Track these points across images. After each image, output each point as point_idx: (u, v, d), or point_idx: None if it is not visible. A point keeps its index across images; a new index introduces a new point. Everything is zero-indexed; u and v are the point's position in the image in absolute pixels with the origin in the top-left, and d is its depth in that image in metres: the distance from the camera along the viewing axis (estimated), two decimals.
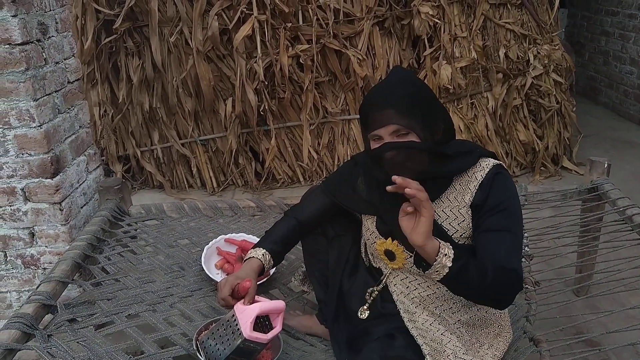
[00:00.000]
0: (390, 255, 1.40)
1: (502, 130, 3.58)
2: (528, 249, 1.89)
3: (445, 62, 3.38)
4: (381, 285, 1.46)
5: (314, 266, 1.62)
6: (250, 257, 1.48)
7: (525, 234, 1.97)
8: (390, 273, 1.44)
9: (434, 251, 1.15)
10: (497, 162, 1.33)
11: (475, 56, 3.39)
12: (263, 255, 1.48)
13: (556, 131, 3.62)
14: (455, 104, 3.53)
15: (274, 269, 1.80)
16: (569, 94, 3.68)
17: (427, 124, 1.26)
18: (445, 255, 1.15)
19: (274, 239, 1.52)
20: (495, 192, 1.29)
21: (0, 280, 2.08)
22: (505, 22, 3.47)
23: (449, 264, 1.16)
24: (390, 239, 1.38)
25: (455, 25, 3.40)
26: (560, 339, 1.58)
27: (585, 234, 2.13)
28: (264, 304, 1.33)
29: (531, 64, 3.48)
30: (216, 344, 1.33)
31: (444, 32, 3.38)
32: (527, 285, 1.73)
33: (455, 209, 1.32)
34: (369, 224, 1.45)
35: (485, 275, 1.19)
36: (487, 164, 1.32)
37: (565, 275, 2.14)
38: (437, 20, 3.33)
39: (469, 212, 1.31)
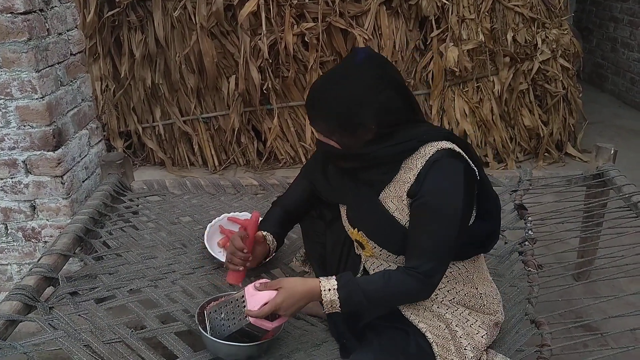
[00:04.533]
0: (360, 244, 1.41)
1: (507, 114, 3.55)
2: (531, 232, 1.88)
3: (452, 44, 3.34)
4: (360, 272, 1.47)
5: (312, 248, 1.62)
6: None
7: (529, 218, 1.96)
8: (366, 260, 1.44)
9: (316, 294, 1.25)
10: (443, 147, 1.26)
11: (483, 39, 3.35)
12: (265, 235, 1.54)
13: (561, 117, 3.59)
14: (461, 87, 3.50)
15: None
16: (575, 80, 3.65)
17: (348, 131, 1.27)
18: (328, 290, 1.25)
19: (272, 223, 1.58)
20: (427, 183, 1.24)
21: (1, 252, 2.07)
22: (515, 5, 3.41)
23: (336, 296, 1.24)
24: (356, 229, 1.39)
25: (463, 7, 3.35)
26: (560, 322, 1.58)
27: (589, 219, 2.12)
28: (273, 295, 1.31)
29: (539, 48, 3.44)
30: (222, 320, 1.34)
31: (451, 13, 3.33)
32: (529, 268, 1.73)
33: (398, 199, 1.30)
34: (342, 212, 1.46)
35: (386, 282, 1.26)
36: (431, 149, 1.26)
37: (567, 260, 2.13)
38: (445, 1, 3.28)
39: (408, 202, 1.29)
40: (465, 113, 3.47)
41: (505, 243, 1.90)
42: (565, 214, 2.04)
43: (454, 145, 1.29)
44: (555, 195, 2.23)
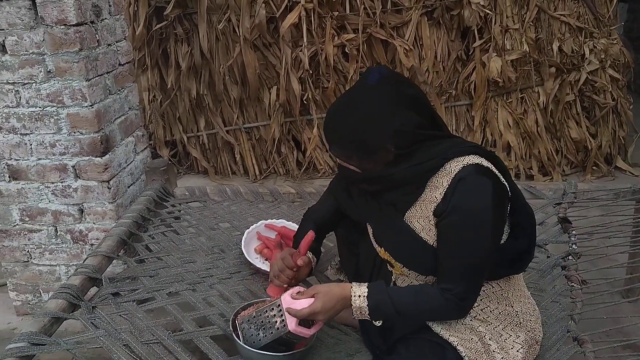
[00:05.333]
0: (389, 262, 1.39)
1: (552, 126, 3.45)
2: (575, 247, 1.82)
3: (496, 54, 3.29)
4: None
5: (347, 257, 1.62)
6: None
7: (573, 232, 1.90)
8: (397, 277, 1.41)
9: (347, 301, 1.26)
10: (469, 163, 1.21)
11: (527, 49, 3.28)
12: (307, 255, 1.53)
13: (611, 130, 3.47)
14: (505, 97, 3.43)
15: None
16: (625, 91, 3.52)
17: (365, 155, 1.24)
18: (358, 296, 1.25)
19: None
20: (453, 202, 1.19)
21: (51, 253, 2.17)
22: (561, 15, 3.34)
23: (365, 303, 1.25)
24: (382, 248, 1.37)
25: (507, 17, 3.30)
26: (605, 340, 1.51)
27: (638, 235, 2.03)
28: (312, 301, 1.31)
29: (586, 58, 3.34)
30: (257, 329, 1.34)
31: (495, 23, 3.28)
32: (572, 283, 1.66)
33: (424, 219, 1.27)
34: (369, 231, 1.44)
35: (417, 298, 1.25)
36: (457, 165, 1.21)
37: (613, 276, 2.04)
38: (488, 11, 3.24)
39: (435, 221, 1.25)
40: (509, 124, 3.40)
41: (548, 257, 1.84)
42: (612, 229, 1.96)
43: (482, 159, 1.24)
44: (602, 209, 2.15)
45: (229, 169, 3.71)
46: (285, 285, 1.46)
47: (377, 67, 1.30)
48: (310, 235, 1.48)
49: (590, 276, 1.83)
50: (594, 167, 3.46)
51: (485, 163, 1.24)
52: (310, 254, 1.55)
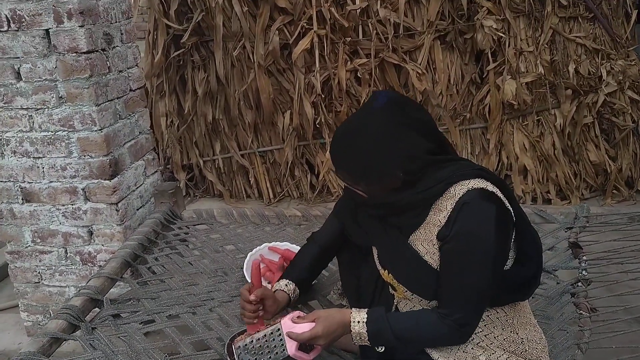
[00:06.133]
0: (391, 286, 1.38)
1: (570, 149, 3.38)
2: (586, 273, 1.76)
3: (510, 77, 3.26)
4: (392, 310, 1.43)
5: (348, 280, 1.60)
6: (275, 290, 1.51)
7: (584, 257, 1.84)
8: (399, 301, 1.39)
9: (347, 326, 1.25)
10: (474, 187, 1.19)
11: (542, 71, 3.25)
12: (286, 285, 1.53)
13: (631, 152, 3.37)
14: (520, 120, 3.39)
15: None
16: None
17: (373, 180, 1.23)
18: (357, 322, 1.25)
19: (300, 267, 1.59)
20: (456, 227, 1.17)
21: (61, 275, 2.20)
22: (576, 36, 3.30)
23: (364, 329, 1.24)
24: (387, 271, 1.35)
25: (521, 40, 3.28)
26: None
27: None
28: (312, 325, 1.29)
29: (604, 80, 3.28)
30: (254, 354, 1.32)
31: (508, 46, 3.27)
32: (581, 311, 1.61)
33: (428, 242, 1.25)
34: (374, 252, 1.42)
35: (417, 323, 1.24)
36: (461, 189, 1.19)
37: (628, 303, 1.96)
38: (501, 35, 3.22)
39: (439, 245, 1.23)
40: (525, 147, 3.35)
41: (557, 283, 1.78)
42: (626, 255, 1.89)
43: (487, 183, 1.21)
44: (616, 234, 2.08)
45: (244, 192, 3.73)
46: (255, 321, 1.41)
47: (383, 91, 1.30)
48: (255, 264, 1.43)
49: (604, 303, 1.77)
50: (615, 191, 3.36)
51: (491, 187, 1.21)
52: (287, 282, 1.53)
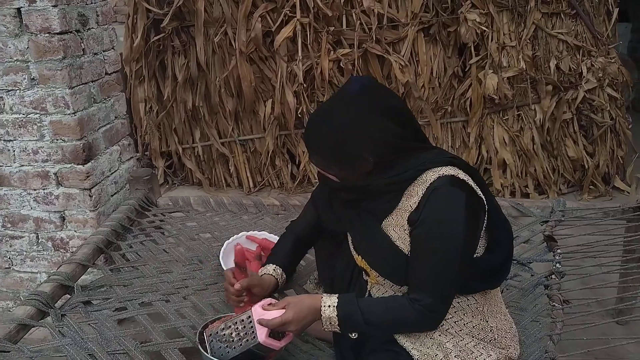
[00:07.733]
0: (365, 271, 1.38)
1: (549, 144, 3.41)
2: (559, 266, 1.77)
3: (492, 71, 3.27)
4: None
5: (324, 269, 1.60)
6: (262, 274, 1.51)
7: (559, 250, 1.86)
8: (372, 286, 1.39)
9: (317, 311, 1.24)
10: (444, 174, 1.20)
11: (524, 66, 3.26)
12: (274, 269, 1.53)
13: (609, 149, 3.42)
14: (501, 115, 3.40)
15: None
16: (624, 110, 3.47)
17: (344, 164, 1.24)
18: (328, 306, 1.23)
19: (281, 255, 1.58)
20: (425, 212, 1.19)
21: (32, 260, 2.16)
22: (558, 33, 3.32)
23: (335, 314, 1.23)
24: (359, 256, 1.36)
25: (504, 34, 3.29)
26: None
27: (628, 254, 1.98)
28: (282, 312, 1.29)
29: (584, 76, 3.31)
30: (226, 341, 1.31)
31: (491, 40, 3.27)
32: (554, 303, 1.62)
33: (400, 228, 1.25)
34: (349, 238, 1.42)
35: (387, 308, 1.23)
36: (432, 175, 1.21)
37: (601, 296, 1.99)
38: (484, 28, 3.23)
39: (409, 230, 1.24)
40: (505, 142, 3.37)
41: (532, 276, 1.80)
42: (599, 249, 1.91)
43: (459, 170, 1.23)
44: (592, 228, 2.10)
45: (224, 181, 3.69)
46: (241, 305, 1.42)
47: (359, 77, 1.31)
48: (238, 248, 1.42)
49: (577, 296, 1.79)
50: (592, 187, 3.41)
51: (462, 175, 1.22)
52: (276, 268, 1.53)
